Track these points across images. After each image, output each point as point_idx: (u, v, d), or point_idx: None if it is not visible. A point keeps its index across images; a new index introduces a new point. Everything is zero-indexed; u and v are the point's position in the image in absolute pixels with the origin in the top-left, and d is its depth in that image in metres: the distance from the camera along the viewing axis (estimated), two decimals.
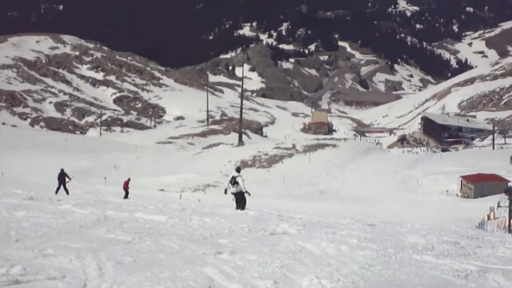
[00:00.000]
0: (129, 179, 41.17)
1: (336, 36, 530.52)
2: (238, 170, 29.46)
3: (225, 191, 29.72)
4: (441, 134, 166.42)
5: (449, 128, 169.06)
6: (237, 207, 28.87)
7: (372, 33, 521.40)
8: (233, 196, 29.17)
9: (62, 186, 38.34)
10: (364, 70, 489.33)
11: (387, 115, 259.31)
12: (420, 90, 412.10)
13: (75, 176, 38.98)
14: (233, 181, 28.77)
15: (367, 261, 13.93)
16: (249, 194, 28.15)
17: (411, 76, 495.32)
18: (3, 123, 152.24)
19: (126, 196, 38.52)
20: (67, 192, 37.47)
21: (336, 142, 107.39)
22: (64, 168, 40.54)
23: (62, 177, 38.75)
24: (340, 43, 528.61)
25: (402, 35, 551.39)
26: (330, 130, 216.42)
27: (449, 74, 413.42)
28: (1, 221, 16.43)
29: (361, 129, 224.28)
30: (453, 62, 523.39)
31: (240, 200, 29.24)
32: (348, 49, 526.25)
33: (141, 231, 16.48)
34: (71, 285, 9.13)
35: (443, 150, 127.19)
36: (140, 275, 10.19)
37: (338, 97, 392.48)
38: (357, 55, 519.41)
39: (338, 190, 70.87)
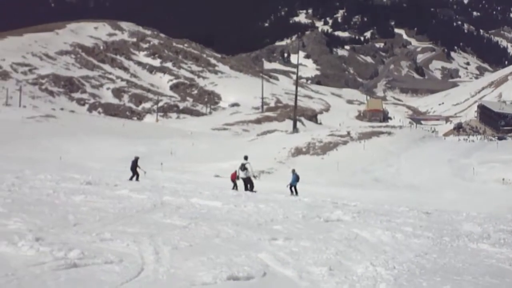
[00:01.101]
0: (236, 171, 40.02)
1: (392, 23, 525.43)
2: (246, 158, 34.87)
3: (237, 177, 34.79)
4: (497, 122, 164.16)
5: (506, 116, 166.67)
6: (246, 189, 33.48)
7: (428, 20, 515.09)
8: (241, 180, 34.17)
9: (134, 174, 38.24)
10: (420, 57, 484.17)
11: (443, 103, 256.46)
12: (476, 78, 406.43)
13: (130, 162, 39.24)
14: (243, 168, 34.04)
15: (422, 249, 13.89)
16: (255, 177, 34.98)
17: (468, 63, 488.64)
18: (62, 109, 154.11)
19: (234, 187, 37.77)
20: (137, 178, 37.55)
21: (391, 130, 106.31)
22: (139, 156, 40.50)
23: (135, 165, 38.69)
24: (396, 30, 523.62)
25: (459, 22, 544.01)
26: (385, 117, 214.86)
27: (506, 62, 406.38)
28: (59, 205, 16.73)
29: (417, 117, 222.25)
30: (510, 50, 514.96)
31: (249, 182, 34.09)
32: (404, 36, 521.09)
33: (197, 217, 16.63)
34: (128, 269, 9.28)
35: (500, 139, 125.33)
36: (196, 260, 10.31)
37: (393, 85, 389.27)
38: (413, 42, 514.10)
39: (393, 178, 70.24)
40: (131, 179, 36.83)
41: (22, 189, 20.63)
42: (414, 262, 12.00)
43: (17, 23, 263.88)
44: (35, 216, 13.64)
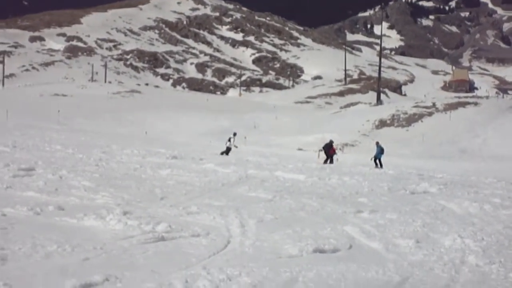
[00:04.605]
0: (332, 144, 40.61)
1: None
2: (234, 134, 40.83)
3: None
4: None
5: None
6: (223, 153, 38.29)
7: None
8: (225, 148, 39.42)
9: (329, 157, 38.71)
10: (506, 26, 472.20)
11: None
12: None
13: (216, 135, 39.62)
14: (228, 140, 40.05)
15: (511, 220, 13.61)
16: (236, 147, 40.25)
17: None
18: (146, 84, 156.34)
19: (329, 161, 38.28)
20: (332, 161, 38.31)
21: (477, 100, 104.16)
22: (333, 140, 41.57)
23: (330, 148, 39.10)
24: None
25: None
26: (471, 88, 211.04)
27: None
28: (146, 179, 17.01)
29: (504, 87, 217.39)
30: None
31: (228, 151, 39.02)
32: (490, 5, 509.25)
33: (282, 190, 16.68)
34: (215, 242, 9.36)
35: None
36: (282, 233, 10.33)
37: (479, 54, 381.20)
38: (499, 11, 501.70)
39: (479, 149, 69.03)
40: (326, 161, 37.91)
41: (109, 164, 21.04)
42: (503, 234, 11.78)
43: None
44: (122, 191, 13.89)
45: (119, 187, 14.53)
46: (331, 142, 39.82)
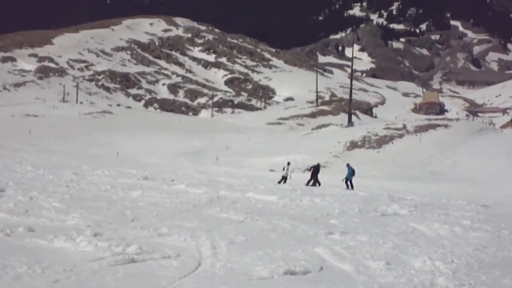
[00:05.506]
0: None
1: (448, 15, 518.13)
2: (288, 164, 40.24)
3: None
4: None
5: None
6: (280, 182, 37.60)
7: (484, 11, 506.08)
8: None
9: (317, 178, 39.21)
10: (476, 49, 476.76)
11: (500, 95, 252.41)
12: None
13: (188, 156, 39.40)
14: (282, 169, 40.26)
15: (481, 243, 13.76)
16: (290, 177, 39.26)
17: None
18: (118, 105, 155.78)
19: (315, 183, 38.79)
20: (319, 184, 38.69)
21: (448, 122, 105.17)
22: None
23: (317, 171, 39.70)
24: (452, 22, 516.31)
25: None
26: (441, 110, 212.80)
27: None
28: (117, 200, 16.94)
29: (474, 109, 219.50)
30: None
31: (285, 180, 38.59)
32: (460, 28, 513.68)
33: (253, 211, 16.71)
34: (186, 264, 9.36)
35: None
36: (253, 254, 10.35)
37: (450, 77, 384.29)
38: (470, 34, 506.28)
39: (450, 171, 69.62)
40: (308, 183, 38.45)
41: (80, 185, 20.94)
42: (473, 256, 11.89)
43: (74, 19, 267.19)
44: (93, 212, 13.83)
45: (90, 208, 14.46)
46: (318, 166, 40.38)
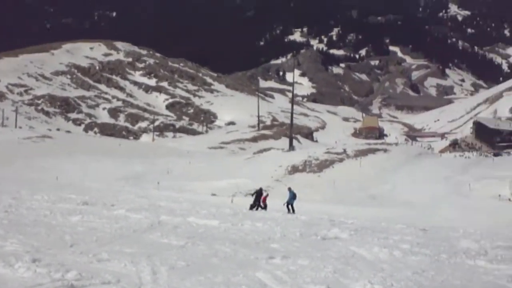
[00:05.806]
0: (267, 195, 42.40)
1: (387, 40, 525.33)
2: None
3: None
4: (493, 139, 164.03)
5: (501, 133, 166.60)
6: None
7: (423, 37, 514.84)
8: None
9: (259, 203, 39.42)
10: (415, 74, 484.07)
11: (438, 120, 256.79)
12: (471, 94, 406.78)
13: (128, 181, 39.08)
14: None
15: (420, 266, 13.91)
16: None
17: (463, 80, 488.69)
18: (58, 129, 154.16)
19: (259, 208, 39.23)
20: (265, 208, 39.28)
21: (387, 147, 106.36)
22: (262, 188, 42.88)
23: (260, 196, 39.93)
24: (391, 48, 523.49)
25: (454, 39, 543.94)
26: (381, 135, 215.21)
27: (501, 79, 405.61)
28: (56, 226, 16.73)
29: (413, 134, 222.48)
30: (505, 67, 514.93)
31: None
32: (399, 54, 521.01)
33: (194, 236, 16.66)
34: None
35: (496, 155, 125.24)
36: (194, 280, 10.31)
37: (389, 102, 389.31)
38: (408, 59, 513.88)
39: (389, 195, 70.23)
40: (252, 208, 38.66)
41: (18, 210, 20.64)
42: (412, 280, 12.02)
43: (13, 43, 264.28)
44: (32, 237, 13.64)
45: (29, 234, 14.26)
46: (261, 190, 40.75)
